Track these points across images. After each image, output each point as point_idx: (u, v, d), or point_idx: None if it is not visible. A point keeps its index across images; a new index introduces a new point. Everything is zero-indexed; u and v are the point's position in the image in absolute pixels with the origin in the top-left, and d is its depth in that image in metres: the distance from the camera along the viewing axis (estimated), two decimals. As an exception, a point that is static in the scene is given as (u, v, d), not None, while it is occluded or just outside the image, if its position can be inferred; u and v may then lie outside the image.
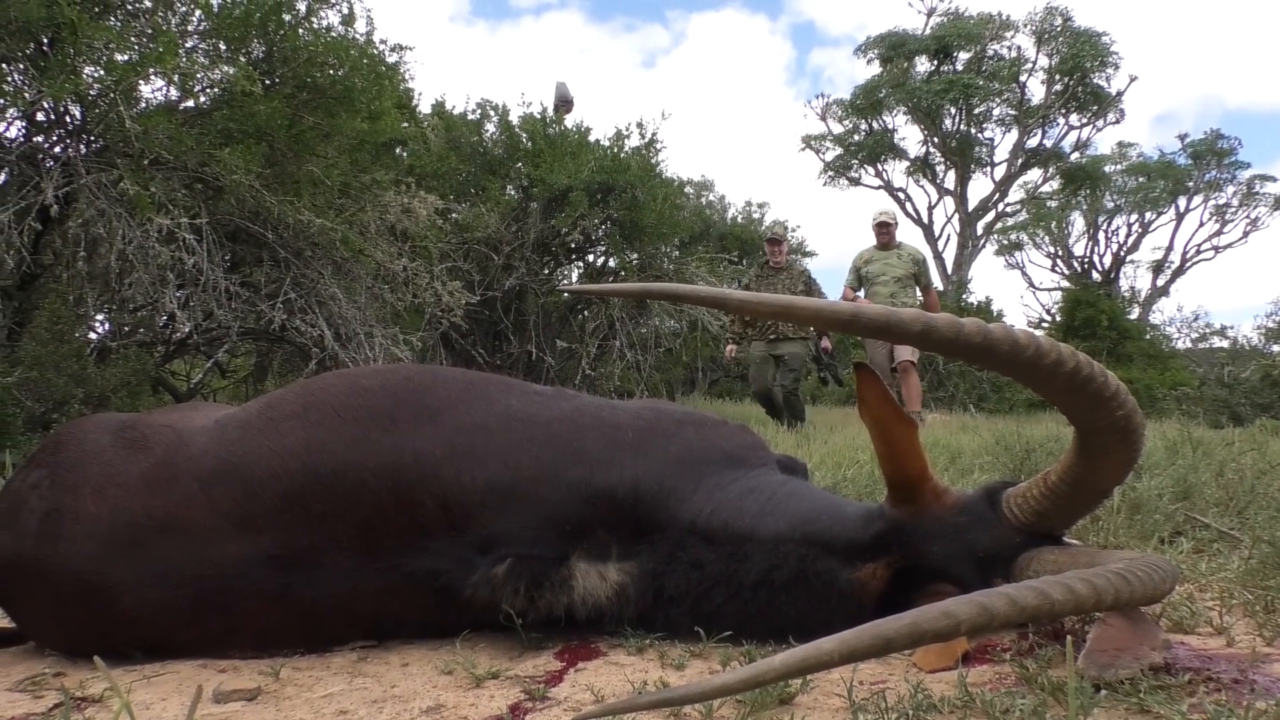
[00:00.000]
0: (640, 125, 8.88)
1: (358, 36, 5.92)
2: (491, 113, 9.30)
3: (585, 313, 9.35)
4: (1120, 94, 23.05)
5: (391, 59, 6.57)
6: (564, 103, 9.82)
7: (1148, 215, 24.07)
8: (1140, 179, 23.94)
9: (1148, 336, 19.43)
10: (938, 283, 10.19)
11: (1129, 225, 24.43)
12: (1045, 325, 22.91)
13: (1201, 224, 24.09)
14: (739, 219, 17.48)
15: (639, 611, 1.30)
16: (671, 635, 1.31)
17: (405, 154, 8.41)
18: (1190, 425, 4.14)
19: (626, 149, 8.75)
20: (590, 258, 9.64)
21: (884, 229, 7.37)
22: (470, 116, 9.49)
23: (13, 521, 1.36)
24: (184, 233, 4.64)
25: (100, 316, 5.50)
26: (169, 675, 1.31)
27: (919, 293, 7.40)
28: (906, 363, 6.81)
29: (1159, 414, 13.27)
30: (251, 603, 1.30)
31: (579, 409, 1.41)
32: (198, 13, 5.38)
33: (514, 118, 9.05)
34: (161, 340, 5.81)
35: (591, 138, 8.88)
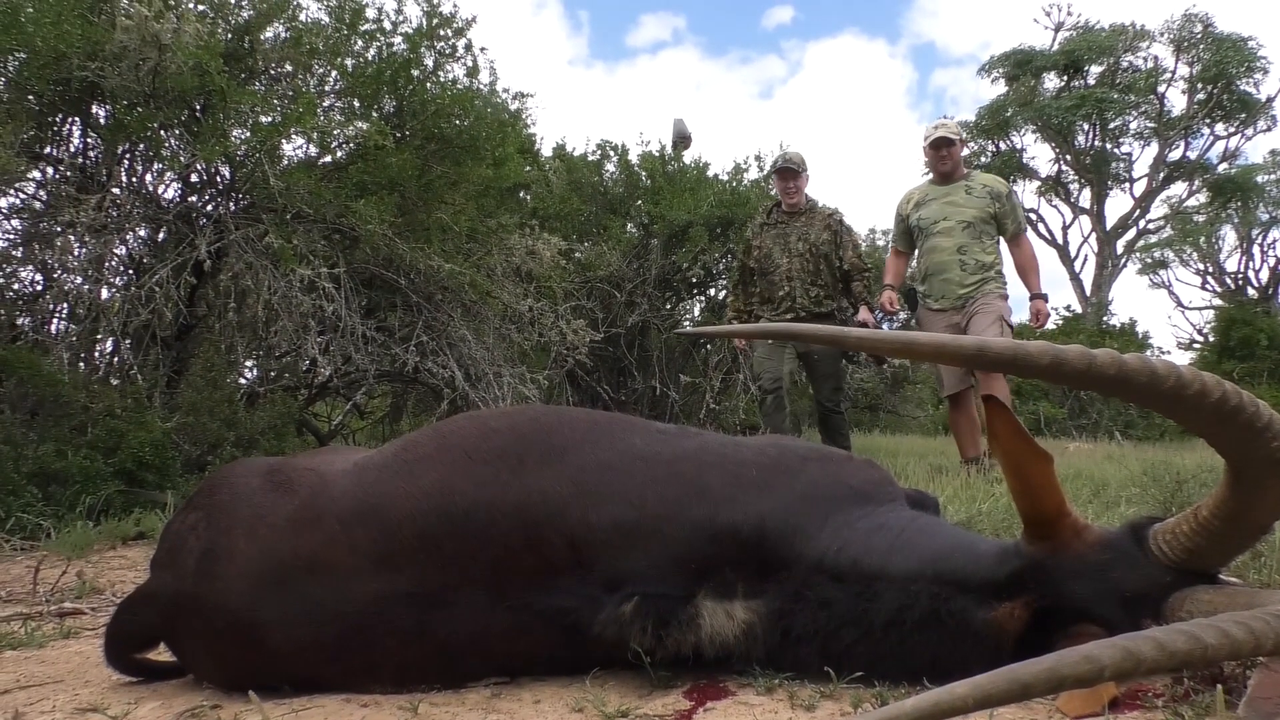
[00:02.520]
0: (759, 157, 8.88)
1: (482, 87, 6.14)
2: (611, 153, 9.46)
3: (708, 347, 9.36)
4: (1271, 100, 21.75)
5: (514, 107, 6.79)
6: (682, 139, 9.93)
7: (1307, 226, 22.51)
8: (1297, 188, 22.44)
9: (1313, 356, 18.08)
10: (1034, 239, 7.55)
11: (1287, 237, 22.89)
12: (1198, 346, 21.65)
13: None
14: (862, 246, 17.24)
15: (767, 651, 1.28)
16: (801, 675, 1.28)
17: (529, 197, 8.64)
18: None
19: (745, 182, 8.76)
20: (711, 291, 9.66)
21: (943, 151, 5.01)
22: (590, 157, 9.68)
23: (173, 561, 1.46)
24: (323, 282, 4.88)
25: (249, 363, 5.82)
26: (315, 709, 1.37)
27: (1003, 243, 5.08)
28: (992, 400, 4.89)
29: (1329, 438, 12.32)
30: (390, 640, 1.35)
31: (702, 447, 1.41)
32: (334, 73, 5.68)
33: (633, 156, 9.19)
34: (304, 384, 6.10)
35: (710, 172, 8.93)
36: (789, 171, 5.46)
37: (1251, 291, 22.92)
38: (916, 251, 5.23)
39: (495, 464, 1.35)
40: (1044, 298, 4.95)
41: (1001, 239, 5.09)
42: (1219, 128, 22.75)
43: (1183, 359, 22.37)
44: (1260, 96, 21.77)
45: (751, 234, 5.68)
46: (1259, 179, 22.78)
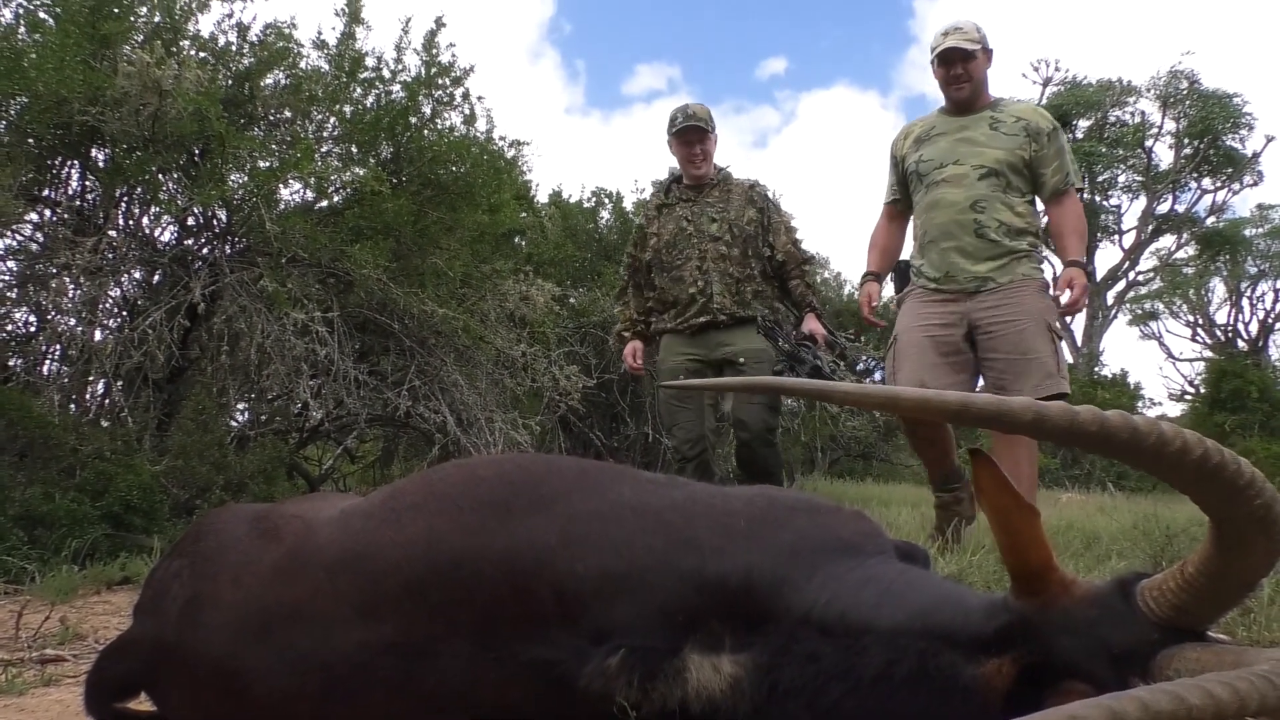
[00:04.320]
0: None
1: (479, 135, 6.20)
2: (606, 200, 9.57)
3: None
4: (1257, 155, 22.09)
5: (510, 154, 6.86)
6: (676, 187, 10.02)
7: (1295, 279, 22.73)
8: (1284, 242, 22.71)
9: (1304, 408, 18.16)
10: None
11: (1276, 290, 23.13)
12: (1189, 397, 21.73)
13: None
14: (855, 295, 17.33)
15: (754, 705, 1.27)
16: (788, 730, 1.27)
17: (524, 243, 8.70)
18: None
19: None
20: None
21: (957, 68, 3.47)
22: (586, 204, 9.78)
23: (156, 608, 1.44)
24: (317, 325, 4.89)
25: (241, 406, 5.81)
26: (296, 761, 1.35)
27: (1039, 204, 3.60)
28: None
29: (1321, 491, 12.33)
30: (375, 691, 1.33)
31: (691, 497, 1.41)
32: (332, 120, 5.75)
33: (628, 204, 9.28)
34: (296, 428, 6.08)
35: (704, 219, 9.01)
36: (694, 131, 4.09)
37: (1241, 343, 23.07)
38: (916, 212, 3.67)
39: (483, 512, 1.35)
40: (1081, 266, 3.39)
41: (1039, 200, 3.57)
42: (1206, 182, 23.07)
43: (1175, 410, 22.45)
44: (1246, 152, 22.11)
45: (645, 220, 4.33)
46: (1247, 232, 23.06)
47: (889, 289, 3.96)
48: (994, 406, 0.80)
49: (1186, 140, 22.40)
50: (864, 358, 16.55)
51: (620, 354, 4.49)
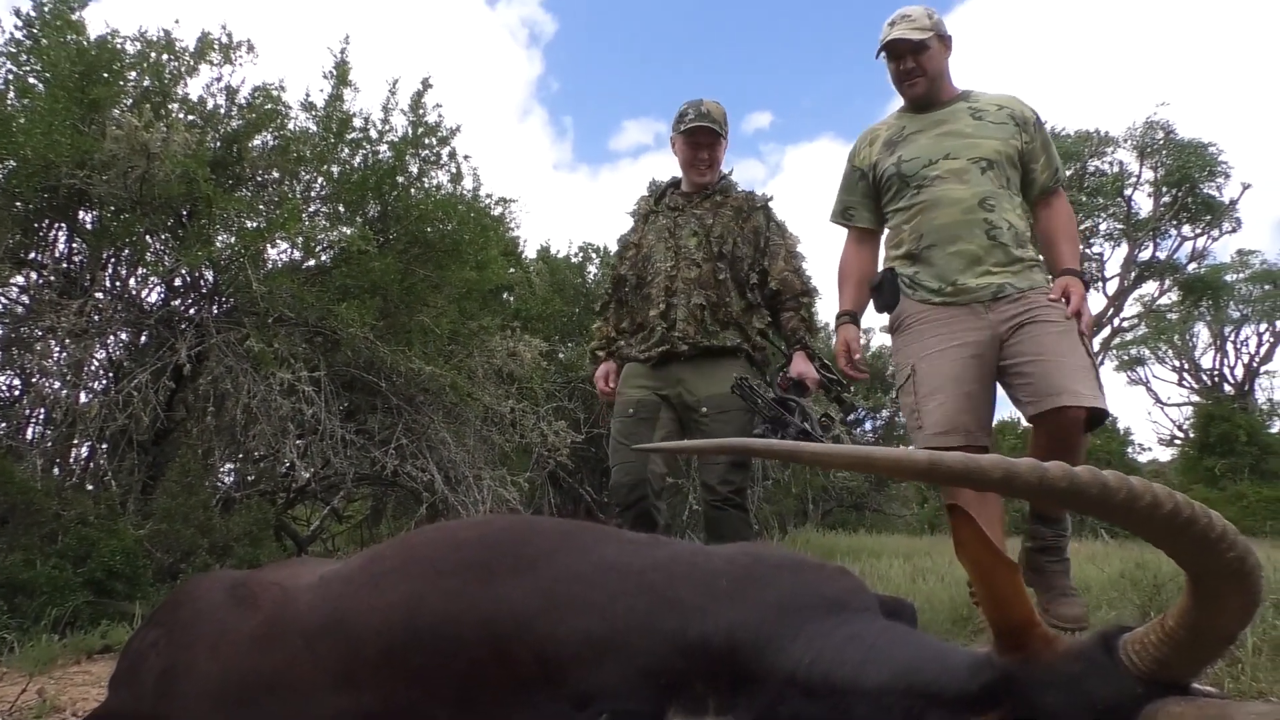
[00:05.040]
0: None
1: (465, 192, 6.27)
2: (593, 254, 9.63)
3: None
4: (1234, 202, 22.42)
5: (497, 211, 6.92)
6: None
7: (1278, 324, 22.95)
8: (1266, 287, 22.96)
9: (1293, 451, 18.24)
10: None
11: (1259, 335, 23.33)
12: (1179, 442, 21.78)
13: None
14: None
15: (739, 769, 1.25)
16: (774, 794, 1.25)
17: (512, 298, 8.74)
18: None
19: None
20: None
21: (907, 61, 3.01)
22: (573, 259, 9.85)
23: (132, 680, 1.42)
24: (304, 385, 4.88)
25: (227, 467, 5.77)
26: (273, 835, 1.32)
27: (1021, 204, 3.07)
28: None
29: (1314, 534, 12.32)
30: (354, 760, 1.31)
31: (673, 556, 1.40)
32: (320, 179, 5.80)
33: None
34: (282, 488, 6.03)
35: (691, 274, 9.06)
36: (705, 133, 3.54)
37: (1228, 387, 23.20)
38: (899, 220, 3.05)
39: (464, 576, 1.34)
40: (1078, 275, 2.88)
41: (1032, 197, 3.08)
42: (1186, 229, 23.37)
43: (1165, 455, 22.49)
44: (1223, 199, 22.44)
45: (631, 229, 3.80)
46: (1228, 278, 23.32)
47: (871, 318, 3.41)
48: (963, 465, 0.80)
49: (1165, 189, 22.73)
50: (856, 408, 16.57)
51: (592, 372, 3.89)
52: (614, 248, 3.91)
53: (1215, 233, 23.10)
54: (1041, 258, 2.99)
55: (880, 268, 3.17)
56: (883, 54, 3.04)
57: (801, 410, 3.19)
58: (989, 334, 2.80)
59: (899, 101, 3.14)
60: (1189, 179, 22.12)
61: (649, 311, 3.52)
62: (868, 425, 17.75)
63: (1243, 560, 0.85)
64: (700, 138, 3.57)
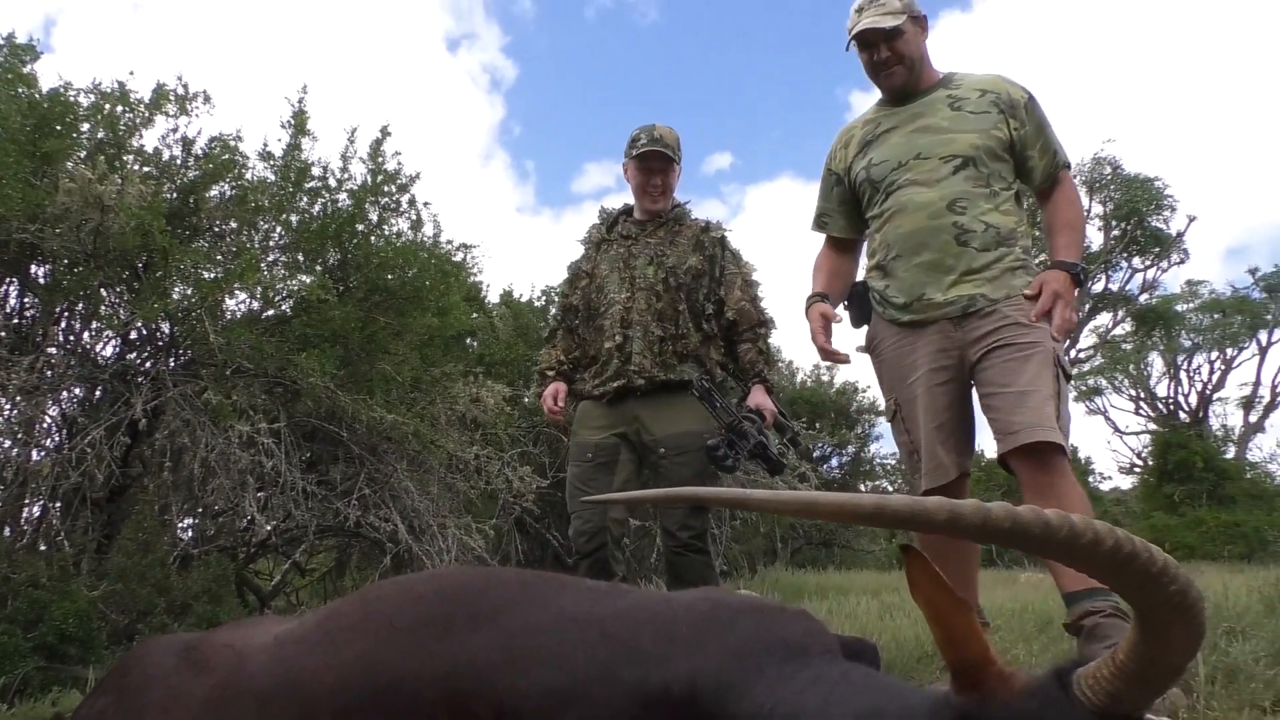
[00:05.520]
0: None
1: (426, 239, 6.27)
2: (555, 298, 9.64)
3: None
4: (1181, 235, 22.99)
5: (458, 257, 6.92)
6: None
7: (1229, 351, 23.46)
8: (1215, 316, 23.49)
9: (1249, 476, 18.57)
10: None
11: (1211, 363, 23.79)
12: (1139, 470, 22.08)
13: (1287, 357, 23.40)
14: (807, 382, 17.48)
15: (704, 819, 1.24)
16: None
17: (475, 344, 8.71)
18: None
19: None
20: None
21: (882, 51, 2.73)
22: (536, 303, 9.86)
23: (81, 749, 1.38)
24: (263, 437, 4.82)
25: (186, 522, 5.66)
26: None
27: (1011, 199, 2.70)
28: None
29: (1272, 557, 12.51)
30: (311, 825, 1.28)
31: (633, 605, 1.39)
32: (278, 229, 5.78)
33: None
34: (242, 543, 5.93)
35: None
36: (657, 158, 3.42)
37: (1183, 415, 23.61)
38: (873, 228, 2.81)
39: (421, 631, 1.32)
40: (1066, 268, 2.56)
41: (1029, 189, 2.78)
42: (1136, 261, 23.89)
43: (1125, 483, 22.78)
44: (1171, 231, 23.00)
45: (583, 257, 3.64)
46: (1178, 308, 23.82)
47: (846, 327, 3.04)
48: (908, 507, 0.81)
49: (1114, 222, 23.24)
50: (819, 444, 16.64)
51: (537, 397, 3.67)
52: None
53: (1165, 264, 23.65)
54: (1027, 254, 2.66)
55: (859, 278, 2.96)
56: (853, 45, 2.75)
57: (758, 426, 3.17)
58: (958, 356, 2.58)
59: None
60: (1137, 212, 22.65)
61: (603, 344, 3.37)
62: (834, 462, 17.84)
63: (1184, 594, 0.87)
64: (653, 163, 3.45)
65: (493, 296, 9.90)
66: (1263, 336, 23.23)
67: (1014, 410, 2.43)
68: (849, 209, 2.93)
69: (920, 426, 2.64)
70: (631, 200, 3.63)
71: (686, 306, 3.38)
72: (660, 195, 3.49)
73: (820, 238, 3.06)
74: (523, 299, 10.03)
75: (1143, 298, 24.06)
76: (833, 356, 2.79)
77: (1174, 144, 37.37)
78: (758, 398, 3.33)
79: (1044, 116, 2.72)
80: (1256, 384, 23.28)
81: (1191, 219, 22.87)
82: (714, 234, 3.50)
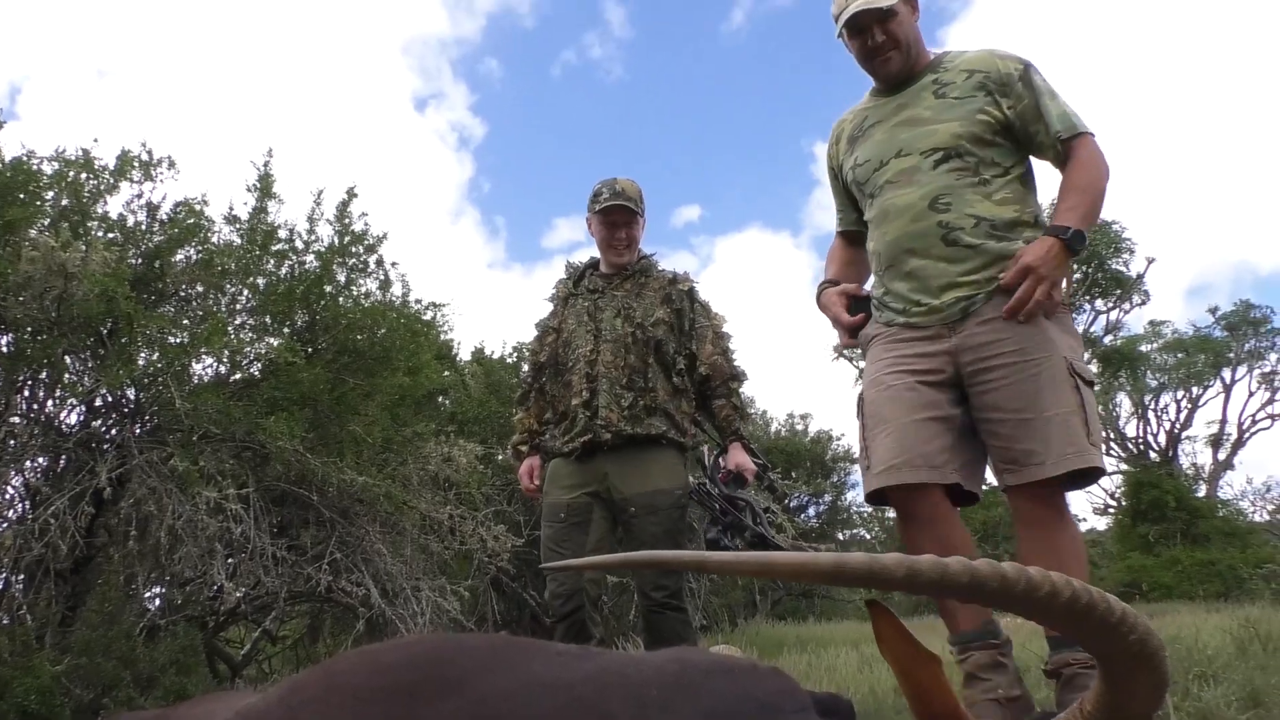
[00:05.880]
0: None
1: (395, 299, 6.26)
2: (527, 353, 9.65)
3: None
4: (1141, 276, 23.43)
5: (428, 316, 6.91)
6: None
7: (1194, 390, 23.83)
8: (1179, 355, 23.88)
9: (1221, 513, 18.75)
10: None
11: (1177, 402, 24.16)
12: (1113, 510, 22.20)
13: (1251, 393, 23.78)
14: (782, 432, 17.52)
15: None
16: None
17: (447, 402, 8.68)
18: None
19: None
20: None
21: (875, 35, 2.51)
22: (508, 359, 9.86)
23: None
24: (231, 503, 4.75)
25: (153, 592, 5.54)
26: None
27: (1010, 184, 2.45)
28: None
29: (1248, 595, 12.57)
30: None
31: (603, 668, 1.38)
32: (245, 292, 5.75)
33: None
34: (211, 612, 5.81)
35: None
36: (621, 211, 3.43)
37: (1154, 454, 23.85)
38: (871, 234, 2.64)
39: (387, 703, 1.29)
40: (1057, 234, 2.30)
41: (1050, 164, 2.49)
42: (1099, 303, 24.30)
43: (1101, 524, 22.89)
44: (1131, 273, 23.44)
45: (550, 314, 3.64)
46: (1143, 348, 24.21)
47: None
48: (866, 565, 0.81)
49: (1076, 266, 23.71)
50: (796, 493, 16.63)
51: (513, 462, 3.67)
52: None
53: (1127, 305, 24.07)
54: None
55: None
56: (843, 32, 2.55)
57: (751, 510, 3.15)
58: (950, 359, 2.34)
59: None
60: (1097, 255, 23.09)
61: (571, 400, 3.34)
62: (810, 511, 17.81)
63: (1144, 642, 0.87)
64: (616, 216, 3.45)
65: (464, 354, 9.91)
66: (1226, 374, 23.66)
67: (1024, 438, 2.19)
68: (849, 200, 2.77)
69: (876, 416, 2.39)
70: (598, 254, 3.63)
71: (655, 360, 3.36)
72: (625, 248, 3.49)
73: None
74: (494, 355, 10.04)
75: (1107, 339, 24.42)
76: (851, 344, 2.62)
77: (1131, 187, 38.28)
78: (737, 456, 3.32)
79: (1044, 85, 2.45)
80: (1223, 421, 23.66)
81: (1150, 260, 23.34)
82: (681, 286, 3.49)
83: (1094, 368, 24.77)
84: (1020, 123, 2.42)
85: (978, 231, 2.35)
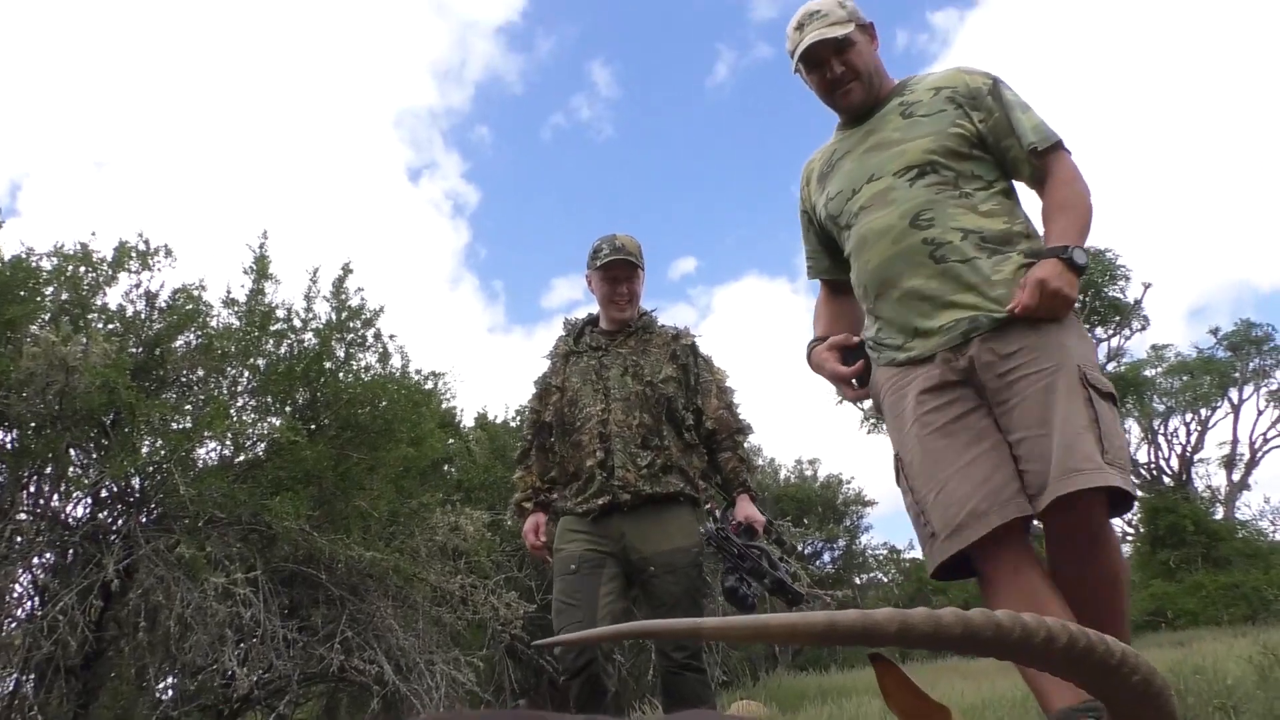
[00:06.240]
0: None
1: (394, 371, 6.29)
2: (526, 412, 9.65)
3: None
4: (1138, 302, 23.48)
5: (429, 385, 6.94)
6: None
7: (1203, 412, 23.72)
8: (1184, 378, 23.82)
9: (1240, 535, 18.53)
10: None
11: (1186, 425, 24.03)
12: (1130, 538, 21.99)
13: (1260, 412, 23.65)
14: (791, 478, 17.44)
15: None
16: None
17: (453, 470, 8.66)
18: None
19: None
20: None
21: (834, 67, 2.34)
22: (511, 423, 9.86)
23: None
24: (240, 588, 4.72)
25: (164, 683, 5.47)
26: None
27: (995, 193, 2.22)
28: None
29: (1275, 617, 12.38)
30: None
31: (611, 737, 1.37)
32: (246, 373, 5.78)
33: (552, 420, 9.36)
34: (224, 700, 5.74)
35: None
36: (622, 266, 3.38)
37: (1167, 479, 23.68)
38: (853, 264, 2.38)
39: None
40: (1059, 255, 2.10)
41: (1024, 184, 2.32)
42: (1099, 331, 24.31)
43: (1124, 551, 22.62)
44: (1129, 300, 23.50)
45: (551, 371, 3.54)
46: (1147, 373, 24.16)
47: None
48: (859, 622, 0.81)
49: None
50: (809, 540, 16.48)
51: (519, 524, 3.56)
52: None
53: (1128, 332, 24.09)
54: (1036, 255, 2.17)
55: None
56: (799, 67, 2.41)
57: (768, 557, 3.07)
58: (968, 383, 2.11)
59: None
60: (1093, 284, 23.17)
61: (584, 461, 3.26)
62: (826, 557, 17.66)
63: (1148, 683, 0.86)
64: (618, 271, 3.37)
65: (468, 420, 9.91)
66: (1234, 394, 23.56)
67: (1046, 462, 1.96)
68: (831, 249, 2.53)
69: (921, 475, 2.12)
70: (596, 310, 3.55)
71: (667, 417, 3.30)
72: (627, 303, 3.42)
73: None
74: (498, 420, 10.04)
75: (1110, 366, 24.38)
76: (851, 395, 2.39)
77: (1125, 211, 38.56)
78: (746, 509, 3.28)
79: (1015, 99, 2.29)
80: (1235, 441, 23.50)
81: (1147, 285, 23.40)
82: (685, 341, 3.45)
83: (1100, 395, 24.71)
84: (993, 138, 2.25)
85: (967, 244, 2.13)
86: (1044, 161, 2.18)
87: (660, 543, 3.18)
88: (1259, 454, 23.36)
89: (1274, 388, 23.39)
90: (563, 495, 3.37)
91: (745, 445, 3.47)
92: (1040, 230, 2.24)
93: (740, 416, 3.51)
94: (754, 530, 3.19)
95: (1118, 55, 41.10)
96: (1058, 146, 2.21)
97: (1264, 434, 23.37)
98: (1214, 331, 24.46)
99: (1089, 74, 42.17)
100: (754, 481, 3.43)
